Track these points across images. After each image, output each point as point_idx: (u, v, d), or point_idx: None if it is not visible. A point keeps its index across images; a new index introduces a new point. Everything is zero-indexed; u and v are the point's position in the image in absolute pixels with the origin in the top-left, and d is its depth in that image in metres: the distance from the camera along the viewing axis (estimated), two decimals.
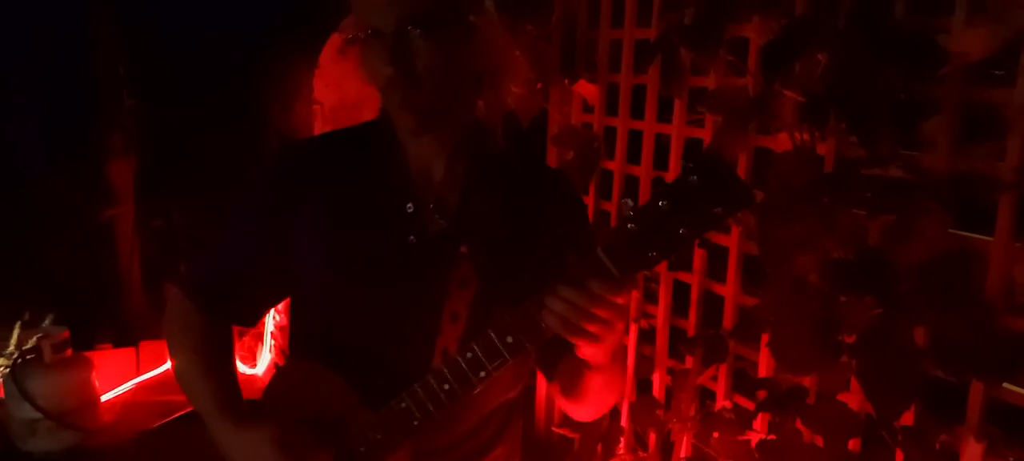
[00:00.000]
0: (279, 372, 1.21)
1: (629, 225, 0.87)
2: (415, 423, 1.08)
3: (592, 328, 0.94)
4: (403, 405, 1.08)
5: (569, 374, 1.15)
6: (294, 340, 1.26)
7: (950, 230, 1.30)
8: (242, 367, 3.57)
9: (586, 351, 1.01)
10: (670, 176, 1.92)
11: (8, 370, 2.97)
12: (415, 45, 1.01)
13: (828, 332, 1.37)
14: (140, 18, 3.53)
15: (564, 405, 1.23)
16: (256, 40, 3.54)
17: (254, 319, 1.26)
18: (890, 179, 1.33)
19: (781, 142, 1.53)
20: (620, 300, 0.93)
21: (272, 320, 3.58)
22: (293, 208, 1.15)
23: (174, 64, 3.56)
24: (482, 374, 1.02)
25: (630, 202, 0.90)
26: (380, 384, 1.10)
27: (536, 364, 1.26)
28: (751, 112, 1.47)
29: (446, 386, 1.05)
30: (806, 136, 1.46)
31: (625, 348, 2.05)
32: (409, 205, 1.13)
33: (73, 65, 3.53)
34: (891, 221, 1.33)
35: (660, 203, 0.85)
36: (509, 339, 0.99)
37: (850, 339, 1.37)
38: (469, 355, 1.02)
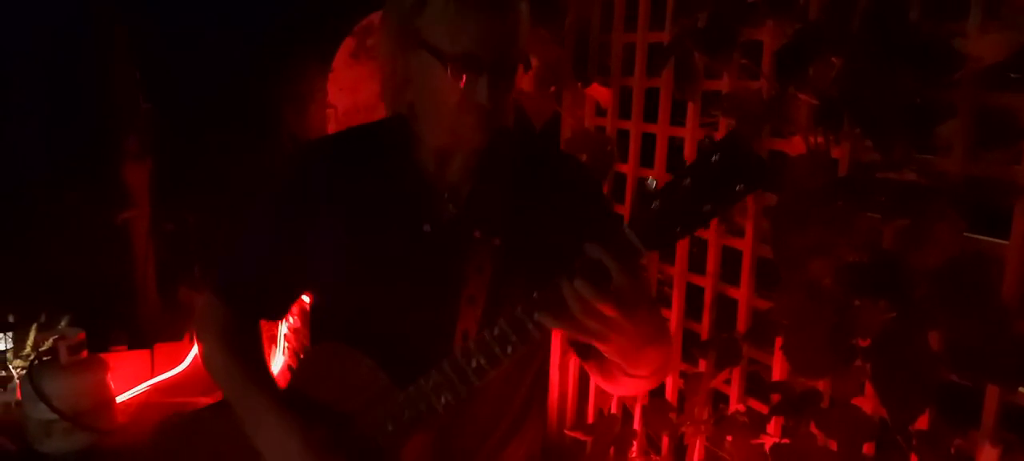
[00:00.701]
0: (308, 355, 1.24)
1: (654, 203, 0.90)
2: (443, 400, 1.10)
3: (600, 326, 0.94)
4: (430, 383, 1.10)
5: (603, 359, 1.13)
6: (315, 331, 1.30)
7: (965, 234, 1.29)
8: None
9: (605, 351, 1.00)
10: None
11: (25, 371, 2.99)
12: (509, 76, 1.08)
13: (842, 336, 1.36)
14: (155, 23, 3.56)
15: (603, 385, 1.23)
16: (270, 44, 3.57)
17: (281, 312, 1.31)
18: (905, 183, 1.33)
19: (795, 146, 1.53)
20: (631, 290, 0.93)
21: (285, 323, 3.60)
22: (312, 204, 1.19)
23: (189, 68, 3.59)
24: (509, 348, 1.02)
25: (652, 181, 0.92)
26: (403, 369, 1.12)
27: (569, 345, 1.26)
28: (765, 115, 1.47)
29: (474, 363, 1.06)
30: (820, 140, 1.47)
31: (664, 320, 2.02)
32: (424, 195, 1.17)
33: (87, 70, 3.56)
34: (906, 225, 1.33)
35: (684, 181, 0.88)
36: (537, 315, 1.00)
37: (864, 343, 1.36)
38: (497, 329, 1.03)
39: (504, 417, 1.25)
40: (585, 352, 1.20)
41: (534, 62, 2.13)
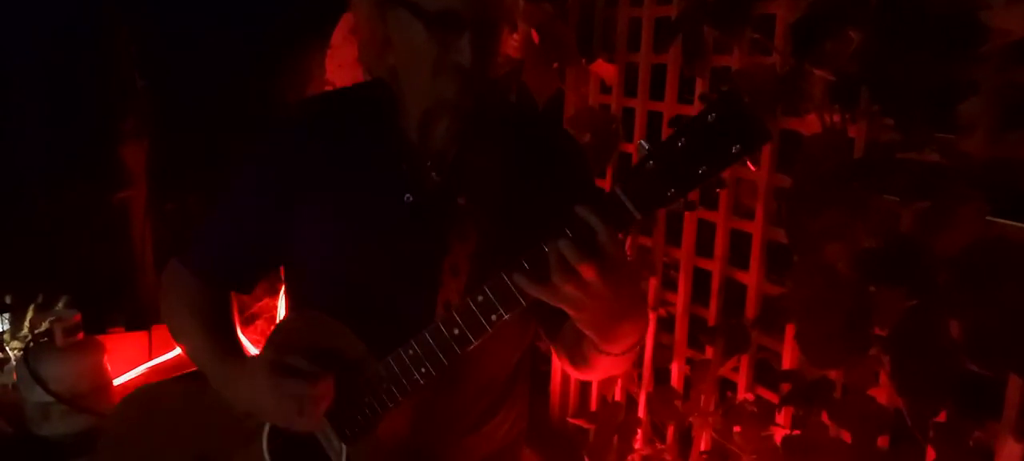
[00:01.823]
0: (283, 322, 1.19)
1: (646, 164, 0.86)
2: (423, 370, 1.05)
3: (577, 290, 0.89)
4: (411, 352, 1.06)
5: (573, 341, 1.11)
6: (293, 300, 1.25)
7: (988, 218, 1.23)
8: (256, 351, 3.56)
9: (580, 322, 0.96)
10: None
11: (21, 354, 2.96)
12: (493, 36, 1.03)
13: (858, 324, 1.31)
14: (151, 1, 3.50)
15: (570, 370, 1.20)
16: (268, 21, 3.51)
17: (250, 285, 1.25)
18: (925, 164, 1.27)
19: (809, 124, 1.46)
20: (615, 257, 0.89)
21: (286, 288, 3.56)
22: (290, 172, 1.15)
23: (186, 45, 3.53)
24: (492, 318, 0.98)
25: (646, 143, 0.87)
26: (382, 340, 1.08)
27: (537, 323, 1.22)
28: (778, 92, 1.40)
29: (456, 331, 1.01)
30: (836, 118, 1.40)
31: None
32: (406, 163, 1.13)
33: (83, 50, 3.50)
34: (925, 208, 1.27)
35: (679, 141, 0.84)
36: (516, 279, 0.95)
37: (880, 331, 1.31)
38: (480, 298, 0.98)
39: (487, 391, 1.22)
40: (553, 331, 1.16)
41: (533, 34, 2.06)
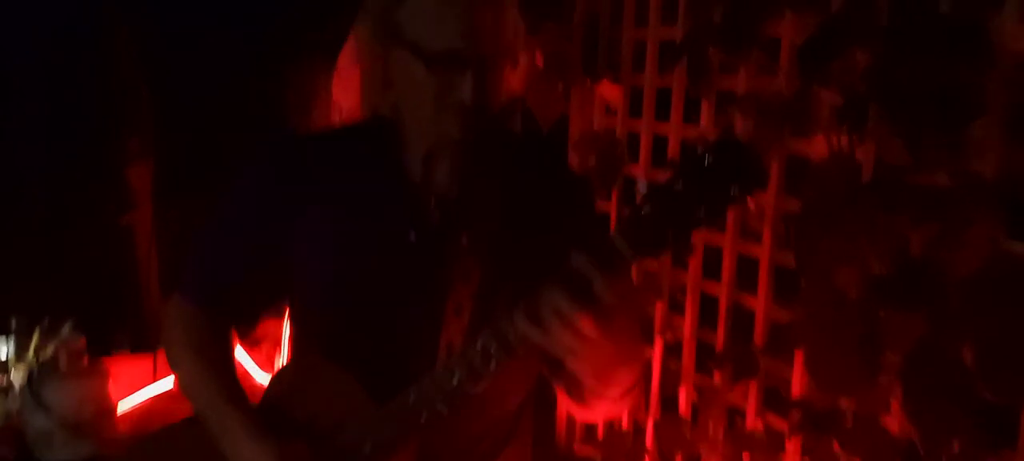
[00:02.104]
0: (283, 369, 1.19)
1: (643, 207, 0.85)
2: (422, 419, 1.04)
3: (573, 341, 0.88)
4: (410, 399, 1.04)
5: (574, 379, 1.07)
6: (296, 341, 1.24)
7: (1000, 239, 1.21)
8: (261, 374, 3.54)
9: (579, 373, 0.95)
10: None
11: (25, 379, 2.95)
12: (494, 73, 1.02)
13: (869, 349, 1.28)
14: (157, 22, 3.51)
15: (571, 408, 1.19)
16: (275, 43, 3.52)
17: (253, 319, 1.27)
18: (935, 186, 1.25)
19: (817, 146, 1.44)
20: (624, 288, 0.90)
21: (289, 326, 3.54)
22: (292, 207, 1.13)
23: (193, 67, 3.55)
24: (492, 364, 0.97)
25: (643, 184, 0.87)
26: (384, 382, 1.07)
27: (540, 362, 1.20)
28: (785, 114, 1.38)
29: (455, 378, 1.00)
30: (844, 139, 1.38)
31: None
32: (409, 201, 1.12)
33: (89, 70, 3.52)
34: (936, 231, 1.25)
35: (675, 184, 0.83)
36: (514, 328, 0.94)
37: (892, 357, 1.28)
38: (480, 344, 0.97)
39: (490, 433, 1.20)
40: (555, 371, 1.14)
41: (538, 56, 2.05)
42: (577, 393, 1.10)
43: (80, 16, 3.43)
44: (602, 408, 1.10)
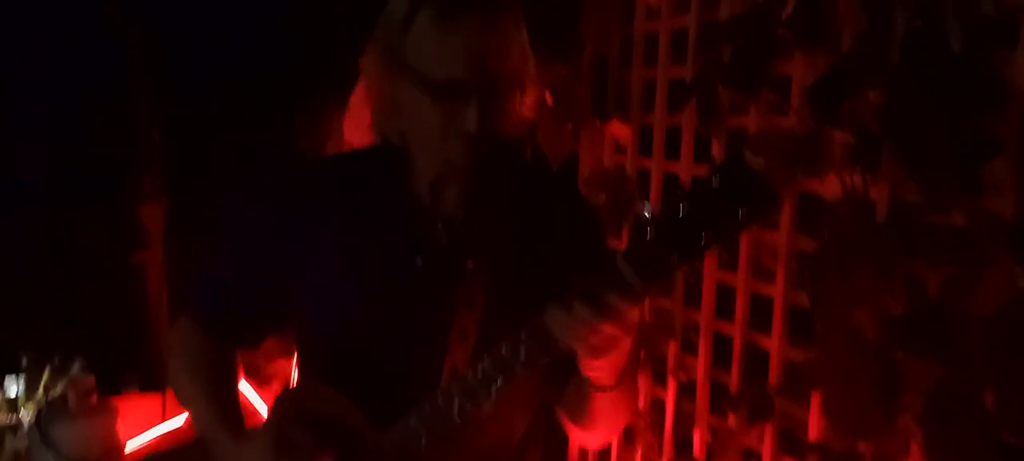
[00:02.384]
0: (282, 394, 1.18)
1: (648, 231, 0.84)
2: (423, 443, 1.04)
3: (601, 341, 0.90)
4: (411, 424, 1.04)
5: (576, 397, 1.11)
6: (301, 364, 1.25)
7: (1019, 280, 1.19)
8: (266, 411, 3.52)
9: (593, 368, 0.97)
10: None
11: (34, 418, 2.94)
12: (501, 101, 1.02)
13: (887, 393, 1.25)
14: (170, 63, 3.55)
15: (571, 430, 1.19)
16: (288, 82, 3.55)
17: (258, 341, 1.26)
18: (951, 226, 1.23)
19: (829, 185, 1.43)
20: (633, 313, 0.89)
21: (297, 368, 3.53)
22: (301, 230, 1.14)
23: (205, 106, 3.58)
24: (493, 389, 0.97)
25: (648, 208, 0.86)
26: (387, 406, 1.07)
27: (542, 383, 1.19)
28: (798, 154, 1.37)
29: (456, 403, 1.00)
30: (857, 178, 1.37)
31: (636, 366, 1.97)
32: (417, 226, 1.12)
33: (102, 111, 3.56)
34: (953, 272, 1.23)
35: (680, 206, 0.82)
36: (522, 352, 0.95)
37: (911, 400, 1.25)
38: (480, 369, 0.98)
39: (495, 456, 1.20)
40: (556, 393, 1.16)
41: (547, 95, 2.06)
42: (578, 410, 1.12)
43: (94, 56, 3.48)
44: (603, 407, 1.10)
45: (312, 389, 1.16)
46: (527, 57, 1.07)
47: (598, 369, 0.98)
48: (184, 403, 1.21)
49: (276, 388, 3.65)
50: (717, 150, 1.77)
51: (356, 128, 3.65)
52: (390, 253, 1.13)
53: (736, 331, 1.78)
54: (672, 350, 1.96)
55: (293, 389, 1.20)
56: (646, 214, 0.84)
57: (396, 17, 1.04)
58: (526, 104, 1.10)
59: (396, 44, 1.04)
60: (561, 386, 1.15)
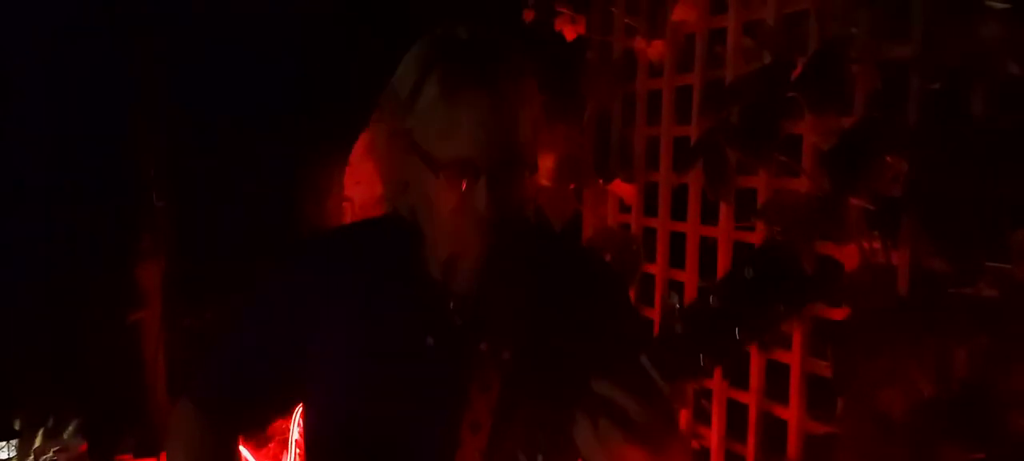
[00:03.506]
0: None
1: (676, 327, 0.77)
2: None
3: (630, 452, 0.81)
4: None
5: None
6: (307, 447, 1.17)
7: None
8: None
9: None
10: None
11: None
12: (511, 179, 0.96)
13: None
14: (167, 119, 3.53)
15: None
16: (287, 137, 3.52)
17: (263, 425, 1.20)
18: (981, 298, 1.16)
19: (849, 254, 1.36)
20: (663, 422, 0.81)
21: (296, 427, 3.44)
22: (306, 309, 1.08)
23: (204, 163, 3.54)
24: None
25: (676, 298, 0.78)
26: None
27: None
28: (814, 221, 1.31)
29: None
30: (876, 244, 1.30)
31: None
32: (429, 303, 1.05)
33: (98, 168, 3.52)
34: (985, 347, 1.15)
35: (710, 300, 0.75)
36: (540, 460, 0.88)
37: None
38: None
39: None
40: None
41: (550, 158, 2.01)
42: None
43: (92, 113, 3.45)
44: None
45: None
46: (540, 127, 1.01)
47: None
48: None
49: (274, 450, 3.56)
50: (725, 213, 1.71)
51: (356, 183, 3.62)
52: (400, 332, 1.06)
53: (751, 398, 1.70)
54: (683, 418, 1.87)
55: None
56: (675, 310, 0.78)
57: (402, 91, 0.98)
58: (535, 180, 1.04)
59: (402, 119, 0.98)
60: None
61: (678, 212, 1.90)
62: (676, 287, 1.92)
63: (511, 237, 1.03)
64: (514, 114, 0.95)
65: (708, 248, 1.83)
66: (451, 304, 1.06)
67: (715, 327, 0.75)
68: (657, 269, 1.95)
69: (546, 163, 2.00)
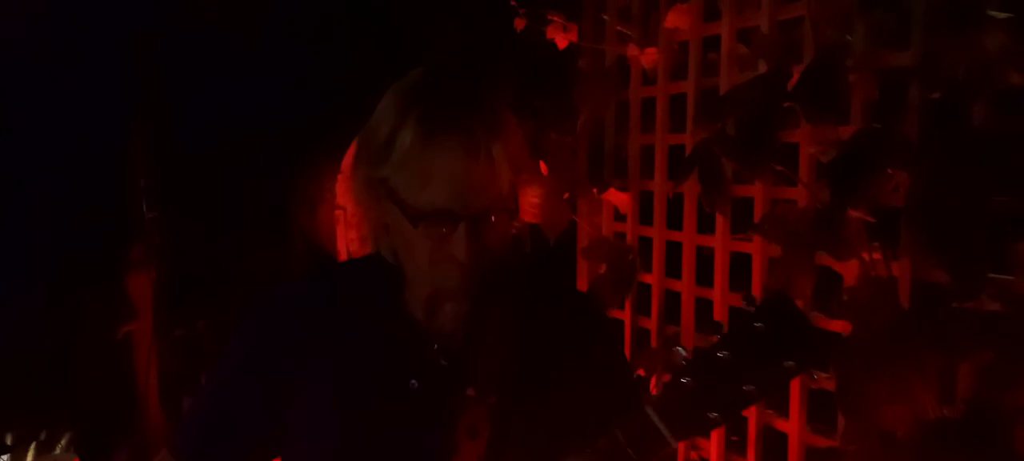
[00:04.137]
0: None
1: (683, 379, 0.76)
2: None
3: None
4: None
5: None
6: None
7: None
8: None
9: None
10: (716, 292, 1.73)
11: None
12: (489, 225, 0.95)
13: None
14: (158, 129, 3.50)
15: None
16: (278, 146, 3.50)
17: None
18: (985, 312, 1.14)
19: (849, 267, 1.33)
20: None
21: None
22: (287, 360, 1.06)
23: (195, 173, 3.51)
24: None
25: (684, 350, 0.76)
26: None
27: None
28: (815, 235, 1.28)
29: None
30: (877, 256, 1.28)
31: None
32: (412, 346, 1.04)
33: (89, 180, 3.49)
34: (990, 362, 1.13)
35: (719, 354, 0.74)
36: None
37: None
38: None
39: None
40: None
41: (542, 166, 1.98)
42: None
43: (81, 126, 3.42)
44: None
45: None
46: (522, 164, 0.98)
47: None
48: None
49: None
50: (721, 225, 1.69)
51: (347, 191, 3.59)
52: (383, 375, 1.04)
53: (751, 411, 1.67)
54: None
55: None
56: (682, 362, 0.75)
57: (377, 136, 0.96)
58: (515, 224, 1.03)
59: (378, 167, 0.96)
60: None
61: (674, 220, 1.88)
62: (673, 297, 1.89)
63: (496, 277, 1.01)
64: (491, 160, 0.93)
65: (704, 258, 1.81)
66: (436, 345, 1.04)
67: (724, 381, 0.74)
68: (654, 279, 1.92)
69: (539, 174, 1.98)
